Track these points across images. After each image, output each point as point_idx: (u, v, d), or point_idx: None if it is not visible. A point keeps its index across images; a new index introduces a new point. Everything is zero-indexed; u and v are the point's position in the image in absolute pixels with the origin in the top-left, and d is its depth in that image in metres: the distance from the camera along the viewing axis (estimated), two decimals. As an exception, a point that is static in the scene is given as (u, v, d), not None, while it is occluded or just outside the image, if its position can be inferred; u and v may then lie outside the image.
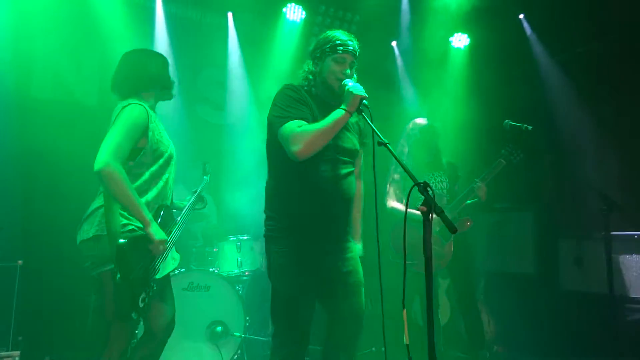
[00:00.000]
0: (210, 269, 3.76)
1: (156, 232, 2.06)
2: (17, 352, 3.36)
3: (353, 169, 2.31)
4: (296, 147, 2.02)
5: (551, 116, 4.62)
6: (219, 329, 3.45)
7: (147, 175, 2.16)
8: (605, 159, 4.20)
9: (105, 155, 1.96)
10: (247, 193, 4.52)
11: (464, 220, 3.36)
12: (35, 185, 4.13)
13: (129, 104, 2.12)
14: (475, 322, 3.51)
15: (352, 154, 2.30)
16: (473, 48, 5.33)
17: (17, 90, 4.04)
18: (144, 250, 2.05)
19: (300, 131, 2.04)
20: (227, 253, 3.90)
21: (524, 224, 4.33)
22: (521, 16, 4.95)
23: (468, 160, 4.23)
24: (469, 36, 5.30)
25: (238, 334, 3.48)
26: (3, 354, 3.30)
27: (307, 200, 2.16)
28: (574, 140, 4.50)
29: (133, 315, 2.04)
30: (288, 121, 2.09)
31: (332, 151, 2.19)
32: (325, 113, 2.14)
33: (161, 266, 2.20)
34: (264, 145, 2.30)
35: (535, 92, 4.77)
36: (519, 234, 4.34)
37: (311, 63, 2.30)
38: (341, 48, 2.22)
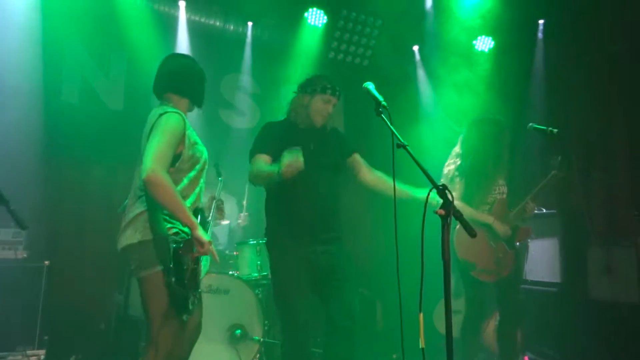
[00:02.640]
0: (230, 273, 3.78)
1: (203, 234, 2.13)
2: (43, 351, 3.44)
3: (333, 178, 2.71)
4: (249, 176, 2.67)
5: (580, 119, 4.49)
6: (238, 332, 3.46)
7: (185, 181, 2.20)
8: (636, 163, 4.05)
9: (152, 163, 2.00)
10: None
11: (524, 228, 3.23)
12: (63, 186, 4.25)
13: (166, 112, 2.16)
14: (511, 334, 3.31)
15: (331, 167, 2.69)
16: (497, 51, 5.23)
17: (47, 95, 4.17)
18: (190, 254, 2.11)
19: (251, 168, 2.66)
20: (247, 257, 3.90)
21: (552, 230, 4.21)
22: (541, 22, 4.84)
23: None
24: (493, 39, 5.21)
25: (257, 338, 3.49)
26: (29, 352, 3.39)
27: (291, 211, 2.59)
28: (604, 144, 4.36)
29: (184, 318, 2.09)
30: (254, 155, 2.68)
31: (310, 165, 2.53)
32: (300, 138, 2.60)
33: (202, 268, 2.28)
34: None
35: (562, 95, 4.65)
36: (546, 240, 4.21)
37: (301, 96, 2.70)
38: (330, 90, 2.64)
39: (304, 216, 2.59)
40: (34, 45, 4.01)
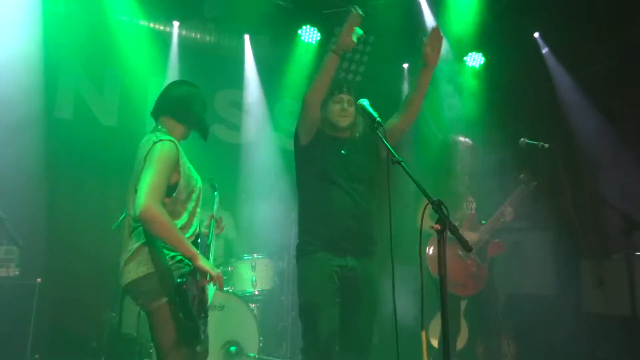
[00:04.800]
0: (225, 288, 3.77)
1: (205, 263, 2.10)
2: (34, 370, 3.39)
3: (367, 188, 2.60)
4: (306, 95, 2.48)
5: (570, 134, 4.56)
6: (233, 348, 3.43)
7: (185, 215, 2.16)
8: (626, 177, 4.11)
9: (145, 199, 1.95)
10: (261, 212, 4.54)
11: (496, 243, 3.33)
12: (56, 203, 4.23)
13: (160, 140, 2.10)
14: (497, 347, 3.41)
15: (361, 178, 2.58)
16: (488, 67, 5.33)
17: (42, 111, 4.17)
18: (195, 283, 2.08)
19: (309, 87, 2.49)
20: (241, 272, 3.89)
21: (544, 243, 4.24)
22: (536, 34, 4.94)
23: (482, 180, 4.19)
24: (484, 55, 5.31)
25: (252, 354, 3.46)
26: (20, 371, 3.33)
27: (328, 224, 2.48)
28: (593, 158, 4.42)
29: (198, 349, 2.07)
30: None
31: (345, 179, 2.52)
32: (333, 144, 2.57)
33: (209, 292, 2.27)
34: (292, 170, 2.70)
35: (552, 110, 4.73)
36: (538, 254, 4.25)
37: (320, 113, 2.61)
38: (337, 91, 2.60)
39: (338, 226, 2.48)
40: (29, 61, 4.02)
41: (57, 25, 4.16)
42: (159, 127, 2.25)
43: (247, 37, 5.07)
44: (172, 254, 2.06)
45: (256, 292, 3.87)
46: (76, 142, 4.28)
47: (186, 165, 2.20)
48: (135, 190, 2.01)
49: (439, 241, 1.69)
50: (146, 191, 1.96)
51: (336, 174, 2.53)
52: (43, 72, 4.15)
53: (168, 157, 2.07)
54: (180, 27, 4.76)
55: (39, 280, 3.51)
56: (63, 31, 4.20)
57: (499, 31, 4.85)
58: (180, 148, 2.18)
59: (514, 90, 5.11)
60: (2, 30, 3.90)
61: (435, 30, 2.51)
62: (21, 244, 2.16)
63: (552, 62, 4.86)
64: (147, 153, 2.07)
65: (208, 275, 2.09)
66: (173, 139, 2.17)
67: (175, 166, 2.10)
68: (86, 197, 4.38)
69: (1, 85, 3.82)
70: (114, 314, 3.71)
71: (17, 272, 3.51)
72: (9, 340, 3.32)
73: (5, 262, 3.47)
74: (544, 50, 4.87)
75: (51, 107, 4.33)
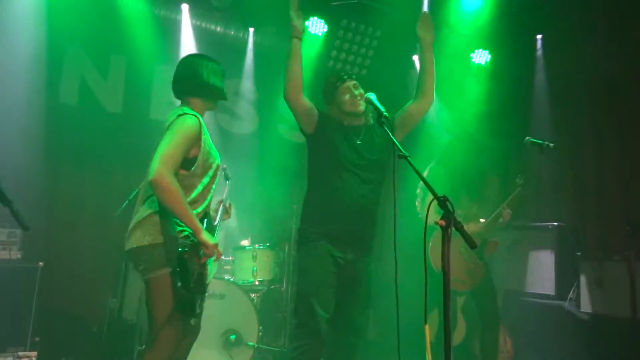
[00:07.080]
0: (226, 278, 3.79)
1: (209, 237, 2.14)
2: (35, 353, 3.42)
3: (377, 179, 2.61)
4: (284, 91, 2.56)
5: (574, 134, 4.55)
6: (233, 337, 3.46)
7: (199, 188, 2.21)
8: (629, 179, 4.11)
9: (159, 165, 2.01)
10: (264, 203, 4.55)
11: (492, 242, 3.44)
12: (59, 188, 4.24)
13: (185, 113, 2.17)
14: (493, 342, 3.45)
15: (373, 167, 2.59)
16: (494, 64, 5.30)
17: (46, 95, 4.16)
18: (198, 257, 2.12)
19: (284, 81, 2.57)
20: (242, 262, 3.91)
21: (544, 242, 4.25)
22: (539, 37, 4.92)
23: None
24: (490, 52, 5.28)
25: (251, 344, 3.49)
26: (21, 353, 3.36)
27: (331, 214, 2.51)
28: (597, 159, 4.42)
29: (192, 322, 2.11)
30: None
31: (357, 168, 2.54)
32: (347, 133, 2.60)
33: (209, 271, 2.29)
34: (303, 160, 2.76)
35: (557, 110, 4.71)
36: (538, 253, 4.25)
37: (329, 106, 2.69)
38: (346, 76, 2.68)
39: (342, 218, 2.50)
40: (35, 45, 4.00)
41: (62, 9, 4.13)
42: (184, 103, 2.32)
43: (251, 31, 5.03)
44: (180, 228, 2.10)
45: (257, 282, 3.89)
46: (80, 128, 4.28)
47: (207, 141, 2.25)
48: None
49: (443, 237, 1.70)
50: (161, 159, 2.03)
51: (348, 162, 2.54)
52: (48, 56, 4.13)
53: (188, 130, 2.14)
54: (189, 14, 4.72)
55: (41, 264, 3.53)
56: (68, 15, 4.17)
57: (506, 28, 4.83)
58: (203, 124, 2.23)
59: (520, 87, 5.10)
60: (10, 14, 3.88)
61: (424, 14, 2.71)
62: (29, 228, 2.14)
63: (539, 66, 4.86)
64: (170, 123, 2.14)
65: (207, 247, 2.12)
66: (197, 114, 2.23)
67: (195, 140, 2.16)
68: (89, 183, 4.39)
69: (7, 70, 3.82)
70: (115, 300, 3.73)
71: (19, 256, 3.54)
72: (10, 322, 3.35)
73: (7, 245, 3.50)
74: (539, 53, 4.89)
75: (56, 93, 4.32)
